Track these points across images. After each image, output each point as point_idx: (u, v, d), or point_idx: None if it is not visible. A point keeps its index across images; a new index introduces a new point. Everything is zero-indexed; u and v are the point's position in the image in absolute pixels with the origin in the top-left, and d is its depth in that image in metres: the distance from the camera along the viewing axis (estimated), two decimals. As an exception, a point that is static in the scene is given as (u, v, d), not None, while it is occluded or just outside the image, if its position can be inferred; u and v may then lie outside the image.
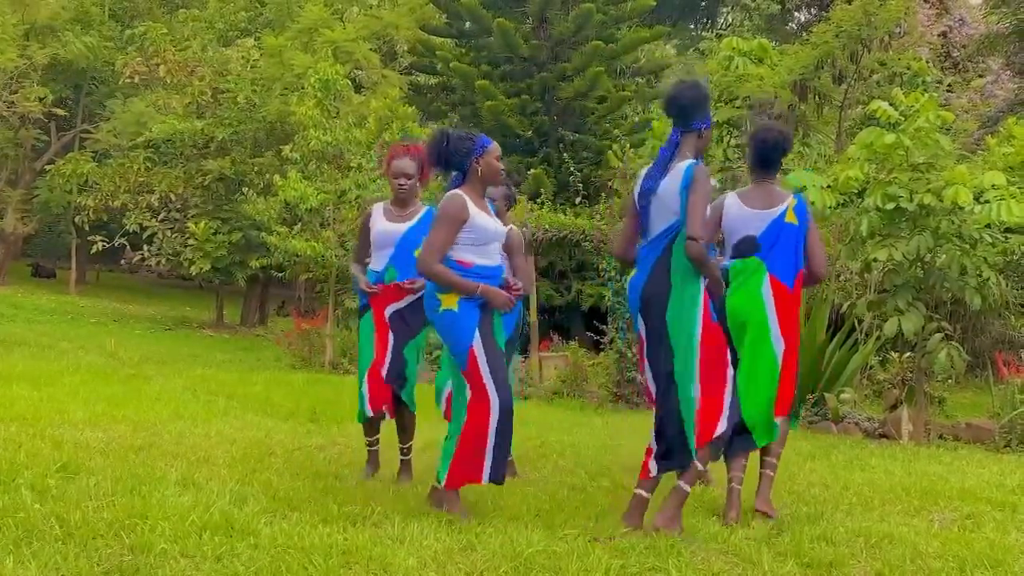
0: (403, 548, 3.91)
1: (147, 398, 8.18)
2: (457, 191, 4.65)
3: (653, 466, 4.56)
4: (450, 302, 4.60)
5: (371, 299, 5.47)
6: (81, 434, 5.94)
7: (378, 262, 5.49)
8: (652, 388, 4.64)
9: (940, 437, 8.74)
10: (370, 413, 5.44)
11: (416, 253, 4.89)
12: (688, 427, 4.48)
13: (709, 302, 4.55)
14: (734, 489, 4.89)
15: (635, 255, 4.70)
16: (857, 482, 6.11)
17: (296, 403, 8.56)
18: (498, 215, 5.72)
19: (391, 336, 5.45)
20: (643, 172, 4.74)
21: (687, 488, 4.55)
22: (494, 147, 4.78)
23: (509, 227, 5.72)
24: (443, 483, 4.61)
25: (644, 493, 4.57)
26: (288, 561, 3.59)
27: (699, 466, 4.59)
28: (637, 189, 4.70)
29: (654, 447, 4.56)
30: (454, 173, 4.76)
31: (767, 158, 5.13)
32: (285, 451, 6.03)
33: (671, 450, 4.51)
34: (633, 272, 4.68)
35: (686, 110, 4.62)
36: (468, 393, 4.60)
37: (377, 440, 5.66)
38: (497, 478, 4.59)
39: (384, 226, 5.50)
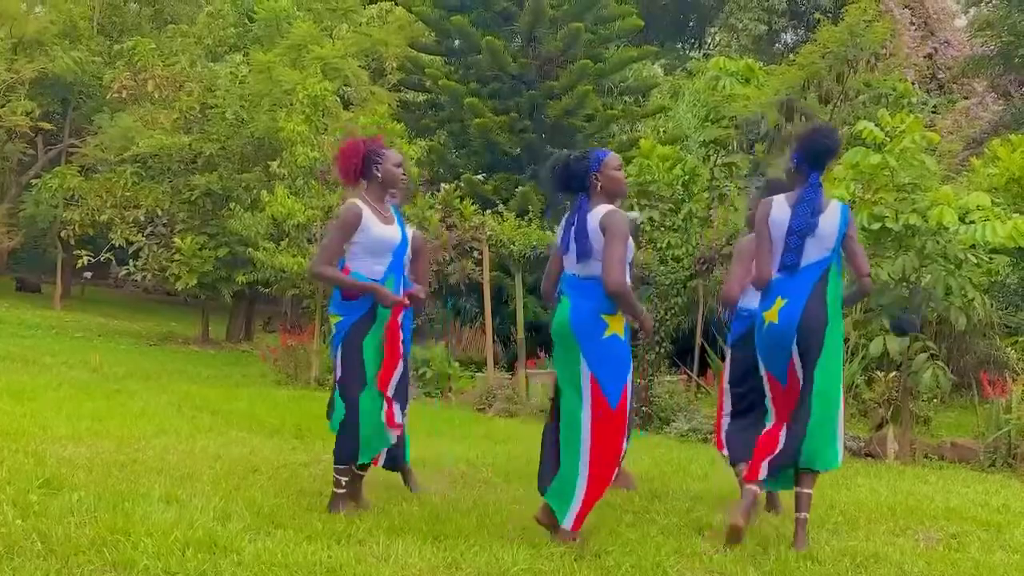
0: (387, 566, 3.90)
1: (131, 414, 8.13)
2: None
3: (764, 469, 4.76)
4: (617, 326, 4.50)
5: (388, 308, 4.93)
6: (64, 450, 5.90)
7: (374, 270, 4.95)
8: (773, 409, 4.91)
9: (925, 456, 8.75)
10: (393, 439, 5.02)
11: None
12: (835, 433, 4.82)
13: None
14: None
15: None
16: (843, 501, 6.11)
17: (281, 419, 8.51)
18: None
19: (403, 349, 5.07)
20: (778, 209, 4.85)
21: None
22: (610, 158, 4.73)
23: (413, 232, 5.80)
24: (567, 526, 4.45)
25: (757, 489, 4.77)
26: (272, 578, 3.57)
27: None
28: (785, 225, 4.78)
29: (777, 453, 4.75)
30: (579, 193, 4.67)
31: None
32: (270, 468, 5.99)
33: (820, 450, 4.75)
34: (784, 303, 4.75)
35: (830, 155, 4.93)
36: (592, 426, 4.42)
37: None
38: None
39: (382, 230, 4.99)
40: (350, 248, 4.93)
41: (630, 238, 4.54)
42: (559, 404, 4.66)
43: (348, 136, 5.09)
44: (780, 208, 4.85)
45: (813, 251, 4.75)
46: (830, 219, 4.75)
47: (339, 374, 4.92)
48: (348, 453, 4.89)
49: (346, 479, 4.95)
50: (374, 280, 4.90)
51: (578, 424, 4.47)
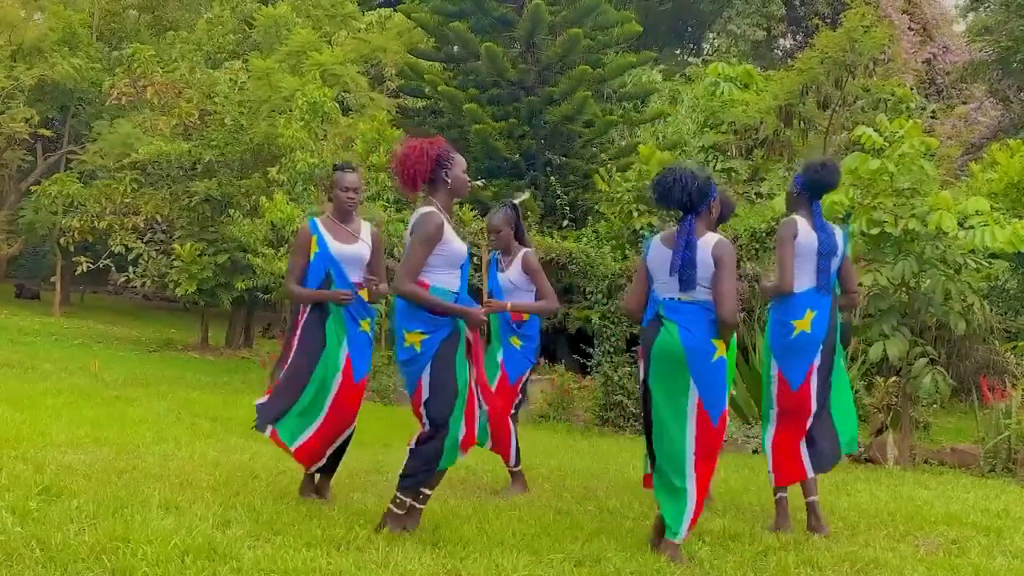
0: (387, 572, 3.89)
1: (131, 420, 8.12)
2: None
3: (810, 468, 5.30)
4: (722, 350, 4.64)
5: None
6: (63, 456, 5.90)
7: (453, 282, 4.73)
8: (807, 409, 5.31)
9: (925, 462, 8.75)
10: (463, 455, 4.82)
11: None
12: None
13: None
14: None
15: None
16: (843, 507, 6.11)
17: (281, 426, 8.49)
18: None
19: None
20: (804, 230, 5.27)
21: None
22: (718, 190, 4.93)
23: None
24: (680, 540, 4.55)
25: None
26: (271, 585, 3.56)
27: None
28: (812, 246, 5.26)
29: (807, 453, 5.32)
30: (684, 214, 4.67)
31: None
32: (269, 474, 5.99)
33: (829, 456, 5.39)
34: (814, 314, 5.26)
35: (831, 189, 5.55)
36: (695, 444, 4.58)
37: None
38: None
39: (459, 242, 4.78)
40: (430, 260, 4.63)
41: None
42: (653, 423, 4.73)
43: (409, 139, 4.89)
44: (805, 229, 5.30)
45: (831, 272, 5.33)
46: (839, 241, 5.37)
47: (427, 395, 4.60)
48: (424, 479, 4.64)
49: (408, 500, 4.66)
50: (452, 293, 4.67)
51: (683, 444, 4.60)
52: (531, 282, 6.11)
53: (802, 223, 5.29)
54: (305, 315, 5.35)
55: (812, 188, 5.38)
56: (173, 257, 17.65)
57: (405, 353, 4.66)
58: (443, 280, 4.64)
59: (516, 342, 6.24)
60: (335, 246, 5.35)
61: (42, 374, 11.80)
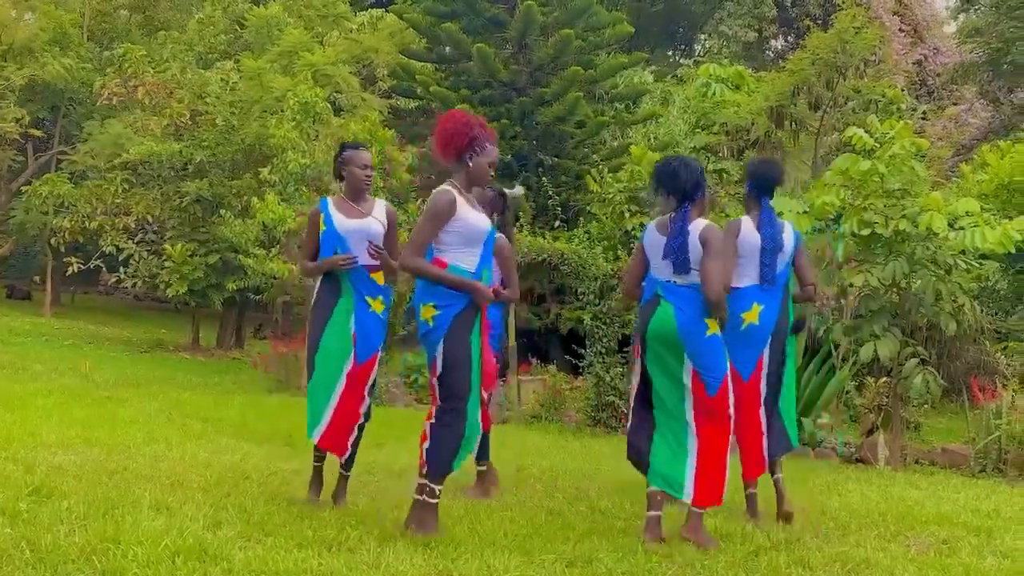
0: (378, 573, 3.89)
1: (121, 421, 8.10)
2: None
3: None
4: (715, 327, 4.89)
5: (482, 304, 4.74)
6: (54, 457, 5.88)
7: (470, 260, 4.69)
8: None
9: (916, 462, 8.77)
10: (477, 441, 4.83)
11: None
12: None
13: None
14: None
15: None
16: (834, 507, 6.12)
17: (272, 427, 8.50)
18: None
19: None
20: (747, 229, 5.51)
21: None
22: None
23: None
24: (688, 499, 4.82)
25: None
26: (262, 586, 3.55)
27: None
28: (759, 244, 5.48)
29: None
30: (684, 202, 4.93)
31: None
32: (260, 475, 5.98)
33: (784, 440, 5.67)
34: (761, 308, 5.50)
35: (777, 183, 5.80)
36: (694, 413, 4.86)
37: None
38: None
39: (476, 217, 4.72)
40: (445, 238, 4.61)
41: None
42: (653, 398, 5.01)
43: (457, 111, 4.83)
44: (748, 229, 5.57)
45: (779, 265, 5.58)
46: (787, 238, 5.62)
47: (440, 370, 4.58)
48: (449, 462, 4.61)
49: (440, 488, 4.62)
50: (470, 273, 4.64)
51: (682, 413, 4.91)
52: (499, 268, 5.97)
53: (746, 223, 5.61)
54: (318, 287, 5.30)
55: (759, 185, 5.70)
56: (164, 258, 17.62)
57: (421, 327, 4.67)
58: (461, 259, 4.62)
59: None
60: (341, 221, 5.22)
61: (32, 375, 11.77)
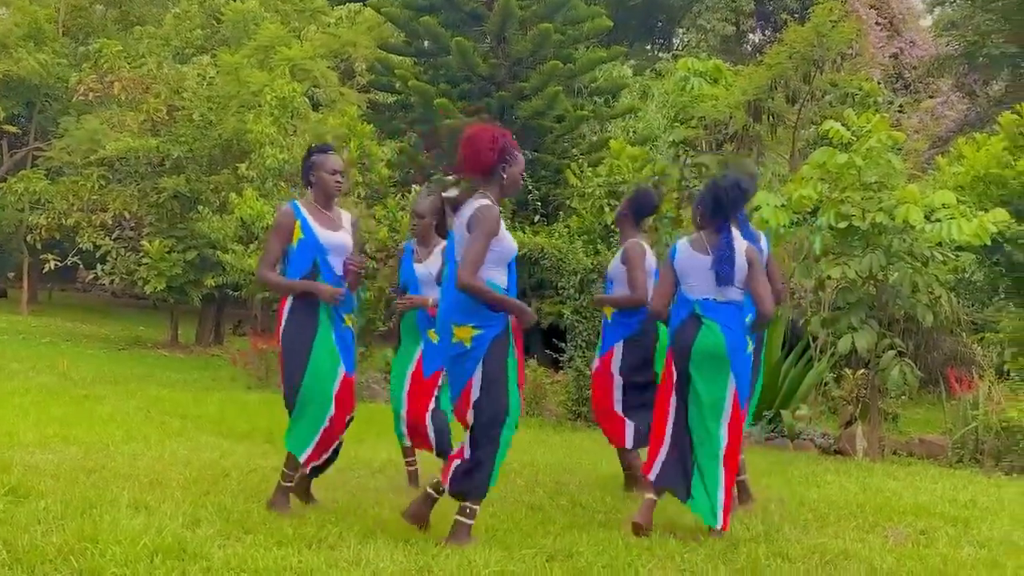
0: (359, 570, 3.88)
1: (99, 419, 8.06)
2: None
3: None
4: (749, 345, 5.10)
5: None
6: (31, 456, 5.84)
7: (501, 278, 4.57)
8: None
9: (894, 453, 8.83)
10: None
11: None
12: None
13: None
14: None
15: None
16: (813, 498, 6.15)
17: (252, 424, 8.47)
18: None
19: None
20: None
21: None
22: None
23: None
24: (719, 527, 4.90)
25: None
26: (242, 584, 3.54)
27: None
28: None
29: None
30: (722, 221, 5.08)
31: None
32: (240, 473, 5.95)
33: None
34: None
35: (652, 211, 6.42)
36: (729, 429, 5.00)
37: None
38: None
39: (510, 235, 4.63)
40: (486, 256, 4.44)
41: None
42: (690, 418, 5.05)
43: (478, 123, 4.66)
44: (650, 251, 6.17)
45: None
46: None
47: (477, 395, 4.44)
48: (486, 484, 4.50)
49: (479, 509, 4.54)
50: (504, 291, 4.52)
51: (718, 428, 5.00)
52: None
53: (641, 245, 6.13)
54: (289, 303, 4.93)
55: (635, 212, 6.28)
56: (142, 254, 17.52)
57: (453, 349, 4.50)
58: (494, 276, 4.48)
59: (433, 336, 5.77)
60: (323, 233, 4.96)
61: (9, 373, 11.68)
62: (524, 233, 14.39)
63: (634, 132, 19.43)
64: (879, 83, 16.29)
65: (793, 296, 11.12)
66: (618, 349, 6.20)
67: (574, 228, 13.12)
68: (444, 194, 6.07)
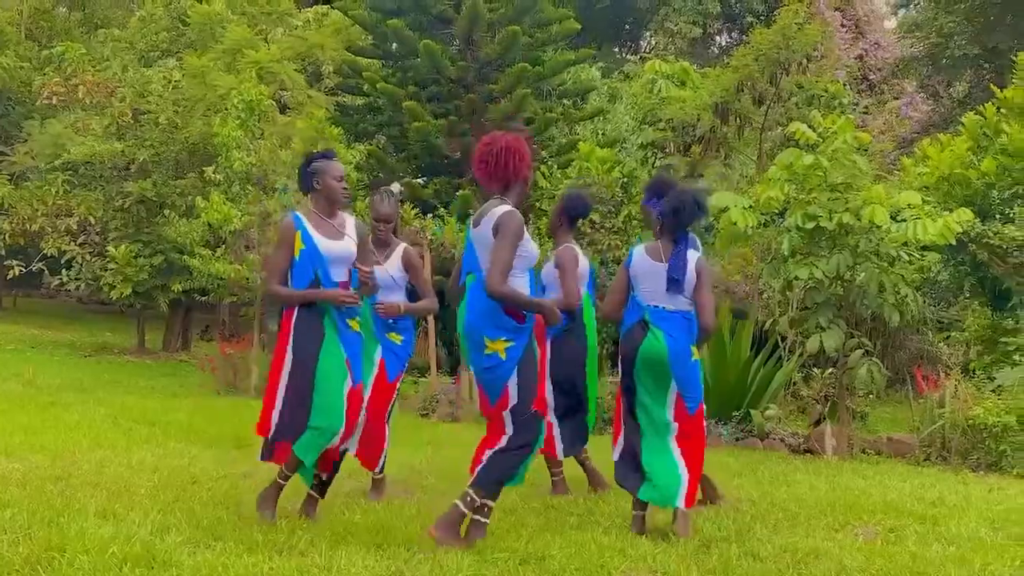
0: (331, 576, 3.86)
1: (66, 426, 7.96)
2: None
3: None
4: (697, 353, 5.18)
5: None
6: (-4, 465, 5.76)
7: (524, 284, 4.68)
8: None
9: (863, 451, 8.90)
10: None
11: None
12: None
13: None
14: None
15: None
16: (783, 498, 6.19)
17: (220, 430, 8.40)
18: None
19: None
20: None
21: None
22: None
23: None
24: (682, 504, 5.00)
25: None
26: (212, 592, 3.51)
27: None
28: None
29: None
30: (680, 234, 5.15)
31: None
32: (209, 479, 5.91)
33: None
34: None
35: (584, 215, 6.68)
36: (677, 430, 5.13)
37: None
38: None
39: (532, 241, 4.69)
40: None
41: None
42: (638, 411, 5.17)
43: (495, 133, 4.65)
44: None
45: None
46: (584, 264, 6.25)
47: (515, 400, 4.54)
48: (503, 483, 4.62)
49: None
50: None
51: (667, 432, 5.12)
52: (408, 278, 5.90)
53: (579, 250, 6.21)
54: (295, 314, 4.84)
55: (568, 215, 6.35)
56: (108, 259, 17.33)
57: (488, 360, 4.56)
58: (517, 282, 4.54)
59: (396, 338, 5.87)
60: (323, 243, 4.87)
61: (-27, 381, 11.52)
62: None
63: (603, 134, 19.48)
64: (844, 85, 16.44)
65: (762, 296, 11.18)
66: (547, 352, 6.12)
67: (543, 230, 13.12)
68: (395, 189, 6.04)
